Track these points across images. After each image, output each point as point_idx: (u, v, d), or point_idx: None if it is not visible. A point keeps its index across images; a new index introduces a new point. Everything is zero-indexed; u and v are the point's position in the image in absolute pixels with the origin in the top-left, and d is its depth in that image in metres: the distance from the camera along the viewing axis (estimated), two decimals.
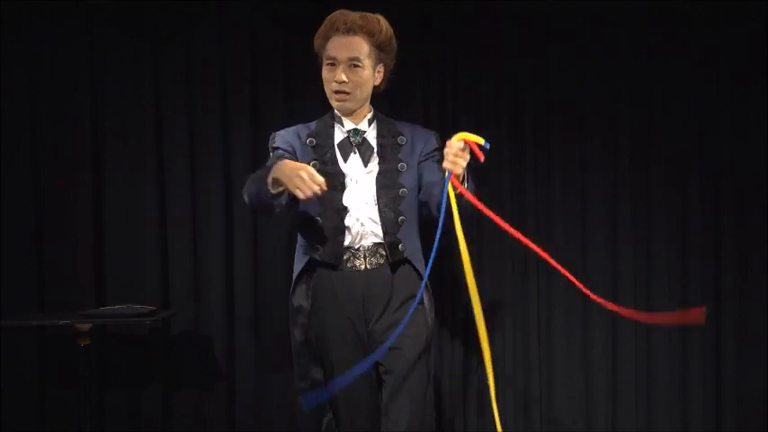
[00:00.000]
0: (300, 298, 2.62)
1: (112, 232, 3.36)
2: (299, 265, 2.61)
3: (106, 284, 3.36)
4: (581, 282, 3.40)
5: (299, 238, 2.63)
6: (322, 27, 2.57)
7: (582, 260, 3.45)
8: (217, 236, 3.38)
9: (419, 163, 2.62)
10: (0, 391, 3.27)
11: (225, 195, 3.38)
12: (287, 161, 2.38)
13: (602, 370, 3.45)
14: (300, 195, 2.28)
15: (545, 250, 3.44)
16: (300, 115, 3.39)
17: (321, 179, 2.29)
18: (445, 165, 2.30)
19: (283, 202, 2.45)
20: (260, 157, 3.39)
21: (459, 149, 2.29)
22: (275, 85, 3.40)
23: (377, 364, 2.55)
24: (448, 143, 2.31)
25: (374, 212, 2.55)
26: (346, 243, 2.54)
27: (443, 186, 2.33)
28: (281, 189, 2.36)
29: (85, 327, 2.96)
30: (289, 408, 3.39)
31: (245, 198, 2.55)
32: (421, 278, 2.55)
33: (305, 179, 2.26)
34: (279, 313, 3.40)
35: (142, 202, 3.36)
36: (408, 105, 3.36)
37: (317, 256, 2.55)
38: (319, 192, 2.29)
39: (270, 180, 2.36)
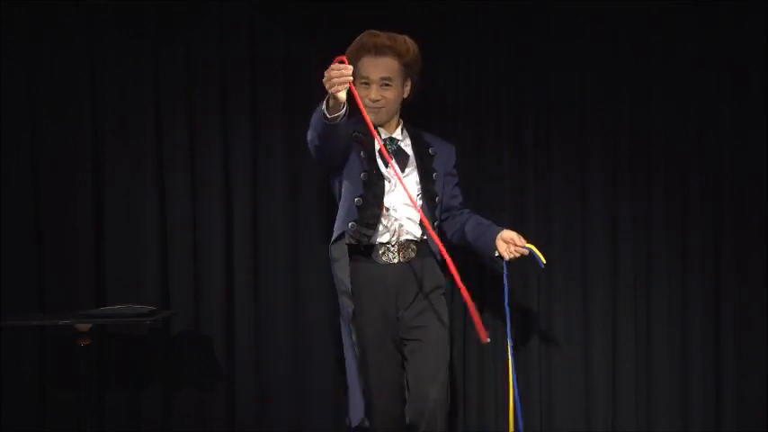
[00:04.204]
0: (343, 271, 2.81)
1: (112, 232, 3.36)
2: (345, 261, 2.81)
3: (106, 284, 3.35)
4: (582, 280, 3.47)
5: (342, 218, 2.81)
6: (352, 47, 2.80)
7: (582, 260, 3.45)
8: (217, 236, 3.37)
9: (445, 175, 2.94)
10: (0, 391, 3.27)
11: (225, 195, 3.38)
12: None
13: (602, 370, 3.45)
14: (339, 88, 2.46)
15: (545, 250, 3.46)
16: (300, 115, 3.40)
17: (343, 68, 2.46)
18: (505, 254, 2.80)
19: (341, 129, 2.61)
20: (260, 157, 3.40)
21: (520, 249, 2.80)
22: (275, 85, 3.40)
23: (403, 343, 2.83)
24: (515, 239, 2.81)
25: (412, 213, 2.82)
26: (385, 239, 2.81)
27: (503, 272, 2.83)
28: (338, 112, 2.52)
29: (85, 327, 2.96)
30: (289, 408, 3.40)
31: (309, 138, 2.71)
32: (443, 270, 2.84)
33: (333, 72, 2.45)
34: (279, 313, 3.41)
35: (142, 202, 3.35)
36: (409, 106, 3.35)
37: (354, 242, 2.79)
38: (349, 75, 2.46)
39: (324, 106, 2.54)
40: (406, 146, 2.90)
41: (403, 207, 2.82)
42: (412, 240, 2.84)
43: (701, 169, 3.46)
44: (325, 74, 2.47)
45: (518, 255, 2.79)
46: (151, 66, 3.35)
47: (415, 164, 2.88)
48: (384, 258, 2.83)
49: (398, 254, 2.82)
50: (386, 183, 2.81)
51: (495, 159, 3.43)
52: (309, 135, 2.71)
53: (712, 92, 3.45)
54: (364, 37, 2.80)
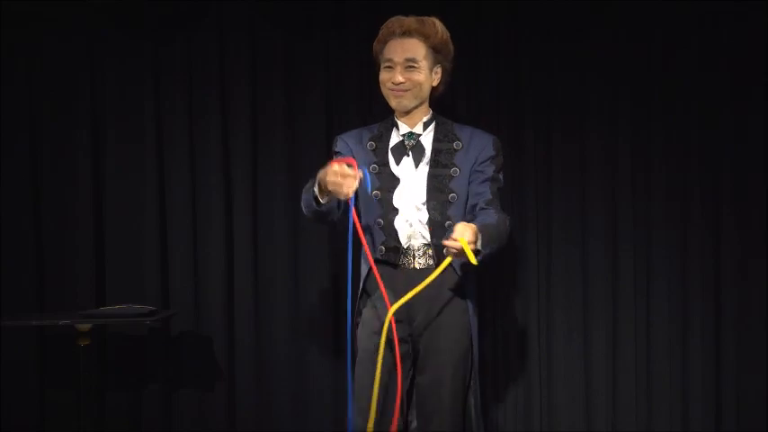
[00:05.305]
0: (362, 300, 2.68)
1: (112, 232, 3.36)
2: (364, 268, 2.66)
3: (106, 284, 3.36)
4: (582, 280, 3.47)
5: (368, 245, 2.62)
6: (380, 33, 2.65)
7: (582, 260, 3.45)
8: (217, 236, 3.37)
9: (473, 171, 2.66)
10: (0, 391, 3.27)
11: (225, 195, 3.38)
12: (326, 168, 2.40)
13: (602, 370, 3.45)
14: (340, 196, 2.36)
15: (546, 250, 3.47)
16: (300, 115, 3.40)
17: (348, 171, 2.34)
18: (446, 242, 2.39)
19: (336, 215, 2.55)
20: (260, 157, 3.40)
21: (452, 243, 2.37)
22: (275, 86, 3.40)
23: (414, 362, 2.61)
24: (453, 236, 2.38)
25: (423, 215, 2.61)
26: (398, 243, 2.60)
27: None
28: (327, 199, 2.45)
29: (85, 327, 2.96)
30: (289, 408, 3.40)
31: (304, 211, 2.61)
32: (462, 283, 2.63)
33: (337, 177, 2.33)
34: (279, 313, 3.41)
35: (142, 202, 3.36)
36: None
37: (378, 256, 2.61)
38: (351, 188, 2.34)
39: (316, 190, 2.44)
40: (427, 141, 2.69)
41: (414, 209, 2.61)
42: (427, 245, 2.61)
43: (700, 169, 3.46)
44: (332, 174, 2.33)
45: (453, 250, 2.38)
46: (151, 66, 3.35)
47: (429, 158, 2.66)
48: (399, 264, 2.61)
49: (414, 260, 2.61)
50: (397, 183, 2.63)
51: None
52: (304, 210, 2.60)
53: (712, 92, 3.45)
54: (391, 21, 2.64)
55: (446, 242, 2.38)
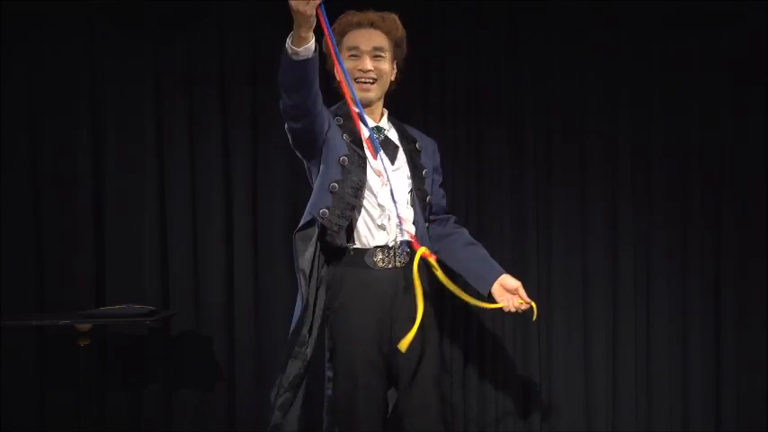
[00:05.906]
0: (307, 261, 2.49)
1: (112, 232, 3.36)
2: (308, 218, 2.49)
3: (106, 284, 3.36)
4: (582, 280, 3.47)
5: (313, 204, 2.48)
6: (336, 26, 2.55)
7: (582, 260, 3.45)
8: (217, 236, 3.37)
9: (432, 173, 2.70)
10: (0, 391, 3.27)
11: (225, 195, 3.38)
12: None
13: (602, 370, 3.45)
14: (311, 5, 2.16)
15: (546, 250, 3.47)
16: None
17: None
18: (504, 305, 2.57)
19: (315, 77, 2.30)
20: (260, 157, 3.40)
21: (519, 304, 2.57)
22: (275, 85, 3.39)
23: (393, 358, 2.50)
24: (520, 292, 2.58)
25: (407, 212, 2.55)
26: (381, 241, 2.51)
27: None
28: (307, 43, 2.25)
29: (85, 327, 2.96)
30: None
31: (282, 103, 2.38)
32: (427, 288, 2.55)
33: None
34: (279, 313, 3.40)
35: (142, 202, 3.36)
36: (407, 106, 3.35)
37: (340, 245, 2.48)
38: None
39: (290, 41, 2.25)
40: (393, 137, 2.62)
41: (401, 207, 2.51)
42: (407, 243, 2.52)
43: (700, 169, 3.46)
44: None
45: (519, 311, 2.57)
46: (151, 66, 3.35)
47: (404, 158, 2.59)
48: (380, 264, 2.49)
49: (394, 258, 2.50)
50: (369, 171, 2.50)
51: (495, 159, 3.42)
52: (281, 99, 2.37)
53: (712, 92, 3.45)
54: (350, 14, 2.57)
55: (522, 305, 2.56)
